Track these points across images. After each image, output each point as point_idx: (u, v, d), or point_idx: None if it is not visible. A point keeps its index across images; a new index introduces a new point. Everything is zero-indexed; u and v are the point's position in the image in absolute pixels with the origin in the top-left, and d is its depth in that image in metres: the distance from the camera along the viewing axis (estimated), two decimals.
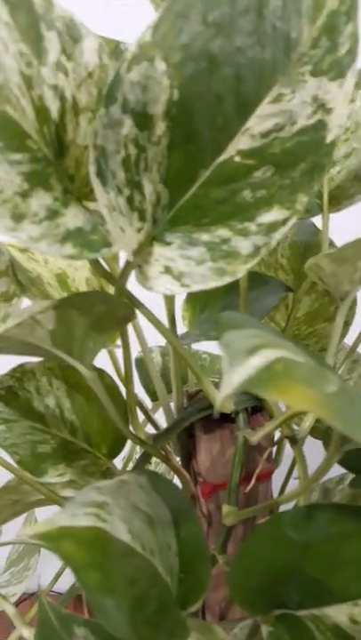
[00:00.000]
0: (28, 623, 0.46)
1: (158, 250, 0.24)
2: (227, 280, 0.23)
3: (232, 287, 0.36)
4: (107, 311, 0.25)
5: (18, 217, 0.17)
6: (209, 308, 0.36)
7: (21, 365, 0.34)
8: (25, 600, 1.10)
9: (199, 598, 0.24)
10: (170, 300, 0.32)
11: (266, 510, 0.36)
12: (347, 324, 0.34)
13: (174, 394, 0.35)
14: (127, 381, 0.31)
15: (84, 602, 0.67)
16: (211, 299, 0.37)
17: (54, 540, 0.17)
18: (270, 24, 0.21)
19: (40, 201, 0.19)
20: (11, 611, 0.40)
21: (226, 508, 0.32)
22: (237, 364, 0.15)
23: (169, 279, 0.23)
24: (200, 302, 0.37)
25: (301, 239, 0.36)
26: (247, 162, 0.23)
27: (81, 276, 0.34)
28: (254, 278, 0.34)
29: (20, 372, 0.33)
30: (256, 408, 0.34)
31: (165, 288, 0.23)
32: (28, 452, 0.31)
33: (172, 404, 0.35)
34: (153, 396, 0.45)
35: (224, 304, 0.36)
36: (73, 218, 0.20)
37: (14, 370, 0.34)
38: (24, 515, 0.78)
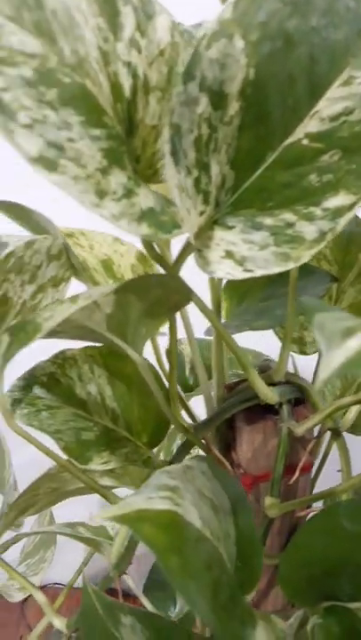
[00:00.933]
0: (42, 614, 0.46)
1: (219, 234, 0.23)
2: (291, 265, 0.23)
3: (272, 278, 0.36)
4: (162, 296, 0.25)
5: (100, 193, 0.17)
6: (248, 298, 0.36)
7: (62, 352, 0.33)
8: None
9: (253, 589, 0.24)
10: (215, 288, 0.31)
11: (304, 504, 0.36)
12: None
13: (214, 384, 0.35)
14: (172, 369, 0.30)
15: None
16: (250, 289, 0.36)
17: (133, 522, 0.16)
18: (344, 4, 0.21)
19: (117, 179, 0.18)
20: (41, 599, 0.40)
21: (269, 500, 0.32)
22: (335, 346, 0.15)
23: (231, 264, 0.23)
24: (238, 293, 0.37)
25: (345, 230, 0.36)
26: (315, 145, 0.22)
27: (126, 263, 0.34)
28: (300, 268, 0.34)
29: (61, 359, 0.33)
30: (298, 400, 0.34)
31: (227, 273, 0.23)
32: (72, 439, 0.30)
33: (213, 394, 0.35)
34: (185, 387, 0.45)
35: (265, 294, 0.35)
36: (145, 198, 0.20)
37: (56, 356, 0.33)
38: (28, 524, 0.77)
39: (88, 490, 0.37)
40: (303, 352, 0.36)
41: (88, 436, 0.31)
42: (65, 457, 0.32)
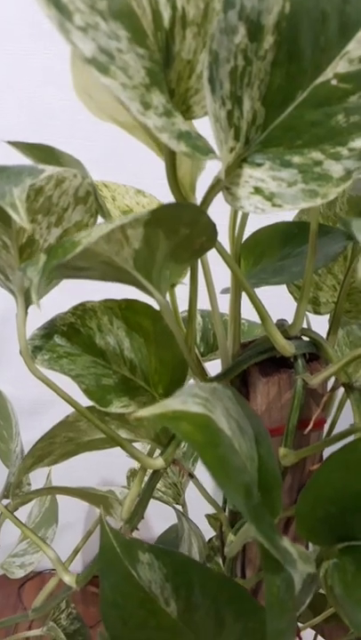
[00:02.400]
0: (48, 594, 0.47)
1: (248, 171, 0.24)
2: (318, 202, 0.23)
3: (289, 238, 0.37)
4: (189, 236, 0.25)
5: (145, 104, 0.18)
6: (265, 259, 0.37)
7: (82, 304, 0.34)
8: (34, 577, 1.10)
9: (274, 519, 0.25)
10: (236, 242, 0.32)
11: (317, 456, 0.36)
12: None
13: (230, 341, 0.36)
14: (191, 318, 0.31)
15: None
16: (267, 250, 0.37)
17: (171, 420, 0.17)
18: None
19: (158, 98, 0.19)
20: (52, 555, 0.41)
21: (283, 451, 0.32)
22: None
23: (259, 199, 0.23)
24: (255, 254, 0.37)
25: (360, 194, 0.36)
26: (343, 86, 0.23)
27: None
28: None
29: (81, 310, 0.34)
30: (313, 356, 0.34)
31: (256, 207, 0.23)
32: (93, 383, 0.31)
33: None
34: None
35: (282, 254, 0.36)
36: (181, 123, 0.20)
37: (75, 308, 0.34)
38: (30, 504, 0.78)
39: (104, 444, 0.37)
40: (317, 312, 0.37)
41: (108, 382, 0.32)
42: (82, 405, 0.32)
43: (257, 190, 0.24)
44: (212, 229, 0.26)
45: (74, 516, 1.10)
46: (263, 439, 0.24)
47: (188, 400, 0.18)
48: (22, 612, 1.03)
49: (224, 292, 0.38)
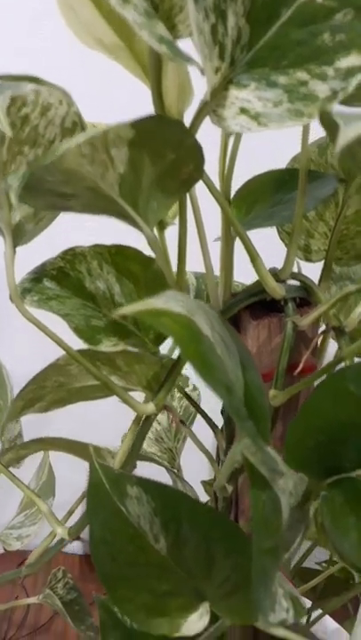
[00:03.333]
0: (42, 551, 0.47)
1: (234, 92, 0.24)
2: (305, 121, 0.23)
3: (280, 185, 0.37)
4: (175, 163, 0.25)
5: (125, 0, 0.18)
6: (257, 206, 0.36)
7: (72, 249, 0.34)
8: None
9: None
10: (226, 180, 0.32)
11: (310, 385, 0.36)
12: None
13: (220, 289, 0.36)
14: (181, 258, 0.31)
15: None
16: (259, 198, 0.37)
17: (154, 316, 0.17)
18: None
19: (139, 1, 0.19)
20: (44, 508, 0.41)
21: (273, 392, 0.32)
22: (352, 123, 0.15)
23: (245, 119, 0.23)
24: (247, 202, 0.37)
25: (352, 140, 0.36)
26: (329, 3, 0.23)
27: None
28: (308, 173, 0.35)
29: (70, 255, 0.34)
30: (304, 302, 0.34)
31: (242, 127, 0.23)
32: (82, 323, 0.31)
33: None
34: None
35: (273, 201, 0.36)
36: (163, 30, 0.20)
37: (65, 253, 0.34)
38: (27, 478, 0.78)
39: (95, 392, 0.37)
40: (309, 259, 0.37)
41: (98, 323, 0.32)
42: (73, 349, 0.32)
43: (243, 111, 0.23)
44: (198, 155, 0.25)
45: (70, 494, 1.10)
46: (250, 367, 0.24)
47: (170, 301, 0.18)
48: (21, 589, 1.04)
49: (217, 240, 0.37)
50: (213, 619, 0.38)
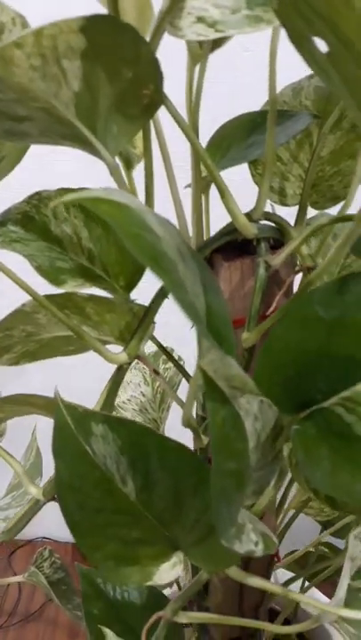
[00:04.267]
0: (23, 514, 0.46)
1: (191, 3, 0.23)
2: (263, 27, 0.22)
3: (254, 127, 0.36)
4: (133, 81, 0.24)
5: None
6: (233, 149, 0.35)
7: (38, 193, 0.33)
8: (25, 545, 1.09)
9: None
10: (193, 112, 0.31)
11: None
12: None
13: (194, 233, 0.35)
14: (148, 195, 0.30)
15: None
16: (233, 142, 0.36)
17: (94, 203, 0.16)
18: None
19: None
20: (18, 468, 0.40)
21: (246, 334, 0.31)
22: None
23: (202, 27, 0.22)
24: (222, 148, 0.36)
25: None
26: None
27: None
28: (281, 114, 0.34)
29: (36, 199, 0.33)
30: (278, 244, 0.33)
31: (198, 34, 0.22)
32: (47, 264, 0.30)
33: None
34: None
35: (247, 143, 0.35)
36: None
37: (31, 197, 0.33)
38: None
39: (67, 345, 0.36)
40: (284, 203, 0.36)
41: (63, 265, 0.31)
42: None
43: (199, 19, 0.22)
44: (157, 75, 0.24)
45: None
46: (213, 289, 0.23)
47: (114, 193, 0.17)
48: (13, 576, 1.02)
49: (187, 187, 0.36)
50: (194, 573, 0.37)
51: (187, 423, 0.31)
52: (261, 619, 0.49)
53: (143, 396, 0.59)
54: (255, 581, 0.31)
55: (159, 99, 0.26)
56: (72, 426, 0.27)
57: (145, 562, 0.29)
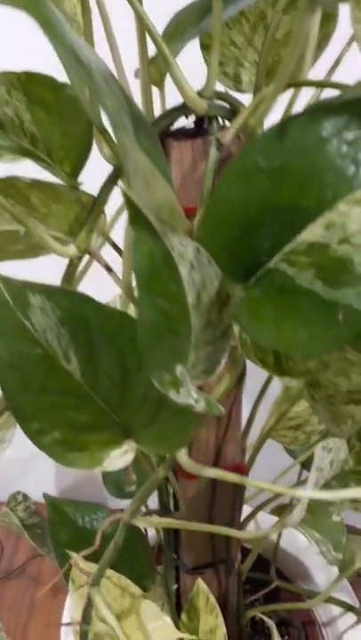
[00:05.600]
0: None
1: None
2: None
3: (207, 11, 0.34)
4: None
5: None
6: (187, 33, 0.34)
7: None
8: None
9: None
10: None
11: None
12: (325, 38, 0.32)
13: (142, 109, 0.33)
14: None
15: None
16: (187, 28, 0.34)
17: None
18: None
19: None
20: None
21: (198, 219, 0.30)
22: None
23: None
24: (178, 34, 0.35)
25: None
26: None
27: None
28: None
29: None
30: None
31: None
32: None
33: None
34: None
35: (202, 26, 0.33)
36: None
37: None
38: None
39: (15, 245, 0.35)
40: (239, 89, 0.34)
41: (2, 143, 0.29)
42: None
43: None
44: None
45: None
46: (148, 135, 0.22)
47: None
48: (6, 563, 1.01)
49: (136, 75, 0.35)
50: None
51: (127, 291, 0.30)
52: (232, 542, 0.48)
53: None
54: (209, 472, 0.30)
55: None
56: (9, 300, 0.26)
57: (94, 447, 0.28)
